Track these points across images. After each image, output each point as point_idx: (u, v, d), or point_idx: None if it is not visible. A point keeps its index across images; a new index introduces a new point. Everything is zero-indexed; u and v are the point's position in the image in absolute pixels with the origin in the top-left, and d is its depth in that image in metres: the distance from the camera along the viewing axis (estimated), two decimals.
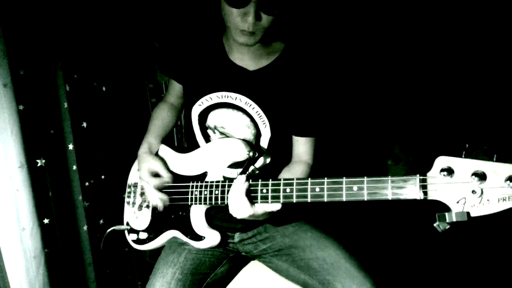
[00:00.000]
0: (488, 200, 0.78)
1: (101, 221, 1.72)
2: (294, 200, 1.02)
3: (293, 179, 1.02)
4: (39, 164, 1.40)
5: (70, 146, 1.55)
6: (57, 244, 1.48)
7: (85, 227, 1.62)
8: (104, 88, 1.75)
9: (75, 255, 1.61)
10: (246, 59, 1.23)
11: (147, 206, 1.36)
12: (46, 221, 1.42)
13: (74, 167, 1.56)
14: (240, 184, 1.07)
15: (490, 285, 1.99)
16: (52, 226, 1.45)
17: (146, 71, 2.08)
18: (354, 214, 2.11)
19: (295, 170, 1.27)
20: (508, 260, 2.07)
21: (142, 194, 1.38)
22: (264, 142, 1.27)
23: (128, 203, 1.44)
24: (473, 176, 0.78)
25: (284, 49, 1.24)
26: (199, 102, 1.28)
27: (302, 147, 1.30)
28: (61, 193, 1.52)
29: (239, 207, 1.06)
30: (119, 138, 1.83)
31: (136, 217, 1.39)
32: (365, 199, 0.91)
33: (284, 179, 1.04)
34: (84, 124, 1.63)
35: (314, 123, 1.28)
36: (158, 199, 1.24)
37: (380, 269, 1.25)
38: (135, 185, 1.43)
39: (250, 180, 1.09)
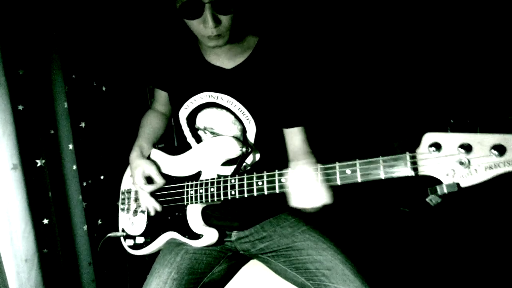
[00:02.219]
0: (475, 169, 0.81)
1: (100, 221, 1.70)
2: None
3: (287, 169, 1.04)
4: (38, 164, 1.39)
5: (70, 146, 1.54)
6: (56, 245, 1.46)
7: (84, 227, 1.60)
8: (104, 88, 1.76)
9: (73, 255, 1.58)
10: (222, 58, 1.26)
11: (143, 211, 1.36)
12: (45, 221, 1.41)
13: (74, 167, 1.56)
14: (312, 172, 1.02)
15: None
16: (52, 227, 1.43)
17: (146, 71, 2.09)
18: (354, 216, 2.10)
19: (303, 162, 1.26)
20: (504, 259, 2.08)
21: (137, 199, 1.38)
22: (250, 137, 1.29)
23: (123, 209, 1.43)
24: (460, 148, 0.82)
25: (258, 43, 1.27)
26: (184, 105, 1.31)
27: (296, 138, 1.30)
28: (61, 193, 1.51)
29: (319, 194, 1.02)
30: (118, 138, 1.82)
31: (131, 223, 1.39)
32: (359, 181, 0.94)
33: (279, 171, 1.06)
34: (83, 124, 1.63)
35: (299, 112, 1.29)
36: (151, 207, 1.28)
37: (378, 274, 1.22)
38: (129, 191, 1.43)
39: (246, 174, 1.10)
